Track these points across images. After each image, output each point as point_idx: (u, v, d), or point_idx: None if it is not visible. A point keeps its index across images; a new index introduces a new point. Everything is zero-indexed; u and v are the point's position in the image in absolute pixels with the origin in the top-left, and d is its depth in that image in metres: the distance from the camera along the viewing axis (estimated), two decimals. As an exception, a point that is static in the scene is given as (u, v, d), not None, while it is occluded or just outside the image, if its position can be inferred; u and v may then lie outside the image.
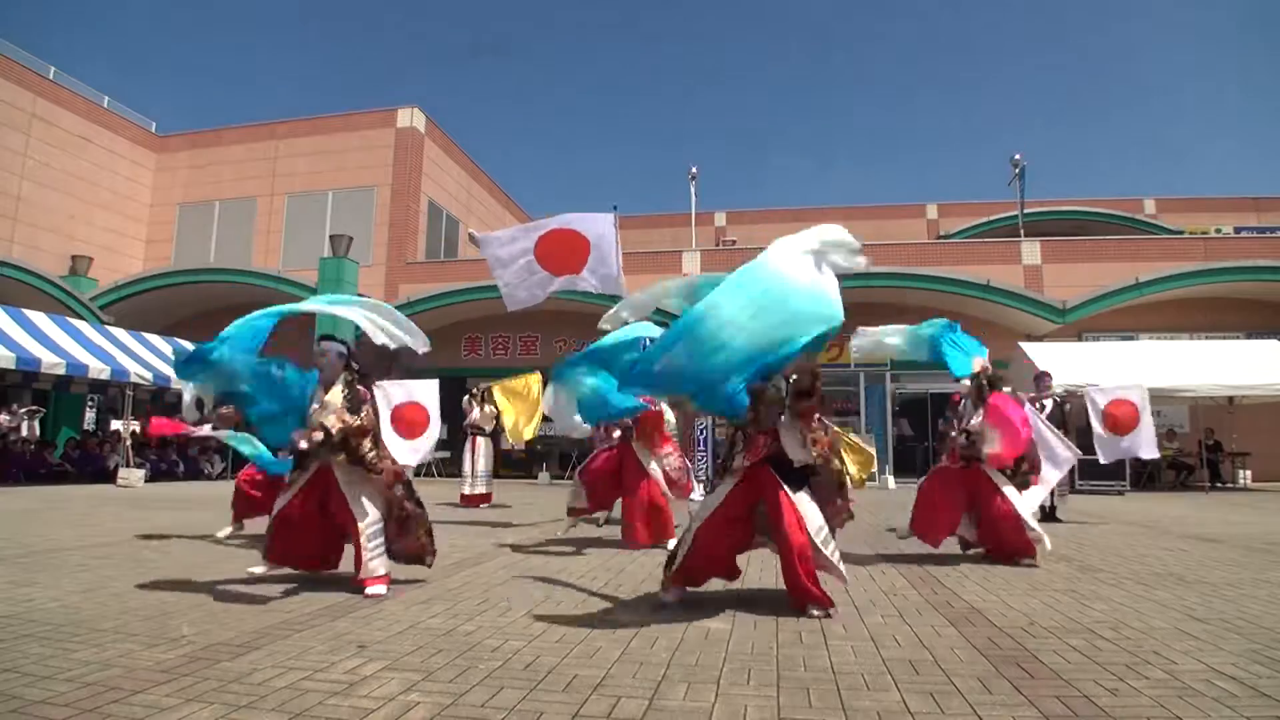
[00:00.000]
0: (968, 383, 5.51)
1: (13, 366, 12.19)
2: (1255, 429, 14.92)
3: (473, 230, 4.74)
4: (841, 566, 3.67)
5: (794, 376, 3.65)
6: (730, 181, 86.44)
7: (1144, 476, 15.05)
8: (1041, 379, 8.55)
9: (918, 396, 17.25)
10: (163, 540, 6.07)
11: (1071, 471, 9.38)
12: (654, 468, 6.17)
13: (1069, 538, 6.78)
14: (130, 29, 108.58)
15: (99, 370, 13.45)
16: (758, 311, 3.13)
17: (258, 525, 6.18)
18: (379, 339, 4.18)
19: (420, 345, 4.32)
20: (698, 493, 6.87)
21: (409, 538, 4.19)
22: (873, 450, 7.71)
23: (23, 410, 15.79)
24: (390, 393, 7.48)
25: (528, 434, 9.19)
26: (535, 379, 9.28)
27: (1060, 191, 41.16)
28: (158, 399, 16.32)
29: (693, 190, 22.06)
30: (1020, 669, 2.70)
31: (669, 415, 6.58)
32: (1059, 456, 6.75)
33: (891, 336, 5.87)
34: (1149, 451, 8.83)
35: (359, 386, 4.20)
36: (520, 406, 9.17)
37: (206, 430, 6.96)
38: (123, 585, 4.12)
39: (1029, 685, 2.52)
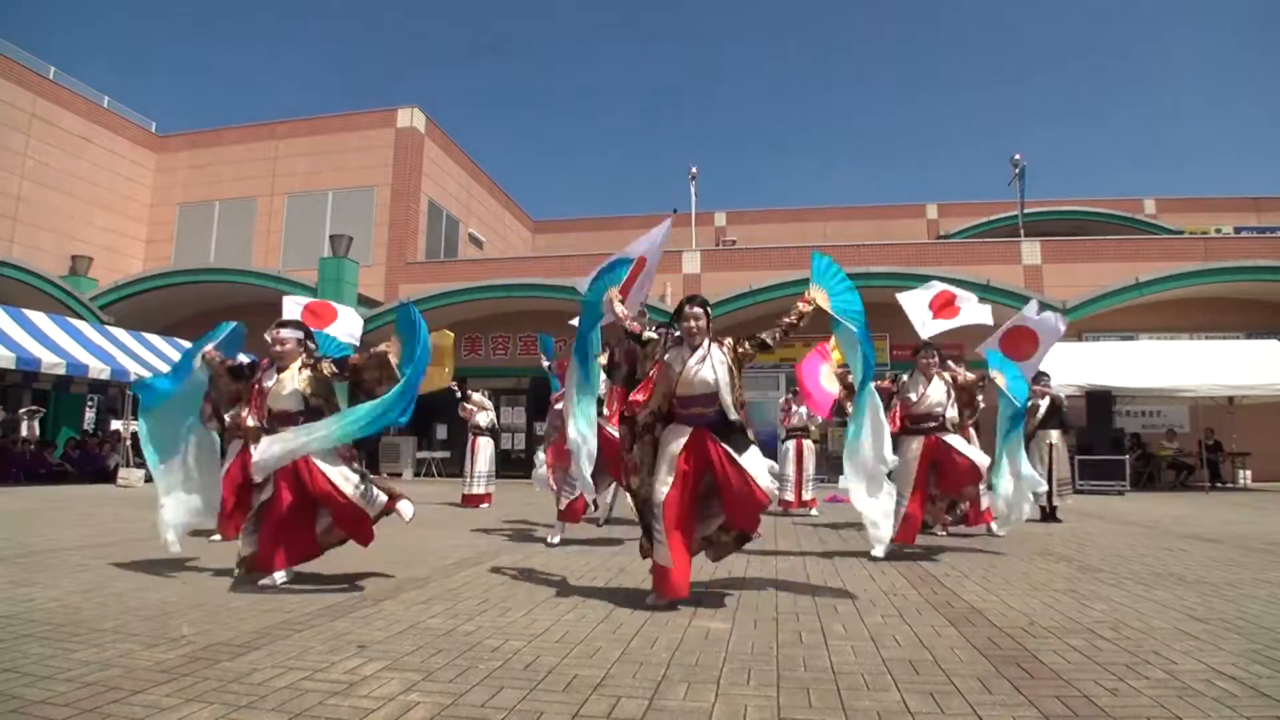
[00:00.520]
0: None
1: (13, 366, 12.19)
2: (1255, 429, 14.92)
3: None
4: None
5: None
6: (730, 181, 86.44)
7: (1144, 476, 15.05)
8: (1040, 379, 8.55)
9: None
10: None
11: (1072, 472, 9.39)
12: None
13: (1069, 538, 6.78)
14: (130, 29, 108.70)
15: (99, 370, 13.44)
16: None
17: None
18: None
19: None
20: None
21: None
22: None
23: (23, 410, 15.81)
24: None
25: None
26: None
27: (1060, 191, 41.14)
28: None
29: (693, 190, 22.07)
30: (1020, 669, 2.70)
31: None
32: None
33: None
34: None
35: (322, 364, 4.29)
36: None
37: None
38: (123, 585, 4.13)
39: (1029, 685, 2.52)
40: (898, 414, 5.55)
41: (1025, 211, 20.42)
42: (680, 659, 2.83)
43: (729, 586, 4.27)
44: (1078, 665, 2.76)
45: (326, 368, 4.28)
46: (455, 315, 18.48)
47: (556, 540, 6.15)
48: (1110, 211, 25.35)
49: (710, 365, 3.77)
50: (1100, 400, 14.48)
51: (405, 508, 4.20)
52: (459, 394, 10.22)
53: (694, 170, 21.94)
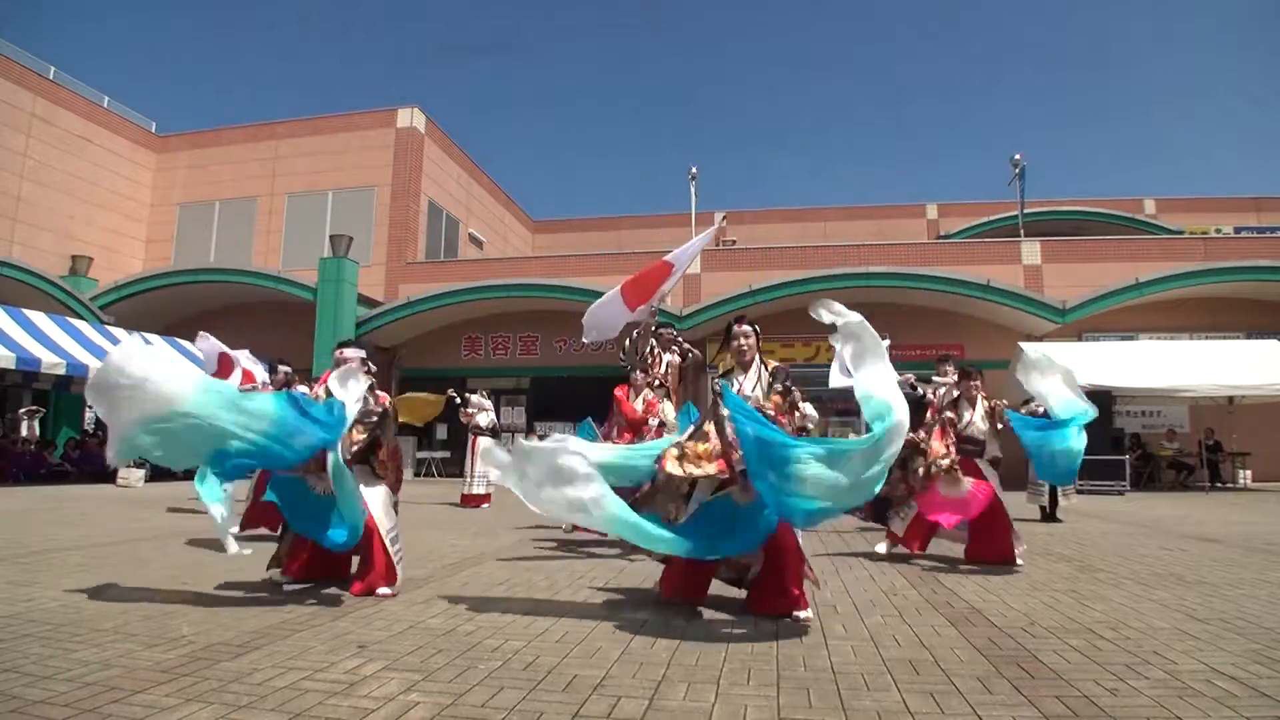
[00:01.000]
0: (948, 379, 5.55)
1: (13, 366, 12.19)
2: (1255, 429, 14.91)
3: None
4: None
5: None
6: (730, 181, 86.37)
7: (1144, 476, 15.05)
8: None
9: (918, 396, 17.25)
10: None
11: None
12: None
13: (1069, 538, 6.78)
14: (130, 29, 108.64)
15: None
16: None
17: (256, 532, 6.19)
18: None
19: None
20: None
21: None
22: None
23: (23, 410, 15.80)
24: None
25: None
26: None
27: (1060, 191, 41.09)
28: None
29: (693, 190, 22.06)
30: (1020, 669, 2.70)
31: (669, 413, 6.55)
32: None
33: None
34: None
35: (376, 393, 4.24)
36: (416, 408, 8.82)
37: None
38: (123, 585, 4.13)
39: (1029, 685, 2.52)
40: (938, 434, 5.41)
41: (1025, 211, 20.41)
42: (680, 659, 2.83)
43: (729, 586, 4.26)
44: (1078, 665, 2.76)
45: (384, 403, 4.26)
46: (455, 315, 18.49)
47: (567, 529, 6.51)
48: (1110, 211, 25.34)
49: (761, 388, 3.78)
50: (1100, 400, 14.42)
51: (386, 590, 3.96)
52: (459, 400, 10.23)
53: (694, 170, 21.94)
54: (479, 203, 25.59)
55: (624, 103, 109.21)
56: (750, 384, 3.76)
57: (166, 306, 19.25)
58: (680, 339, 6.01)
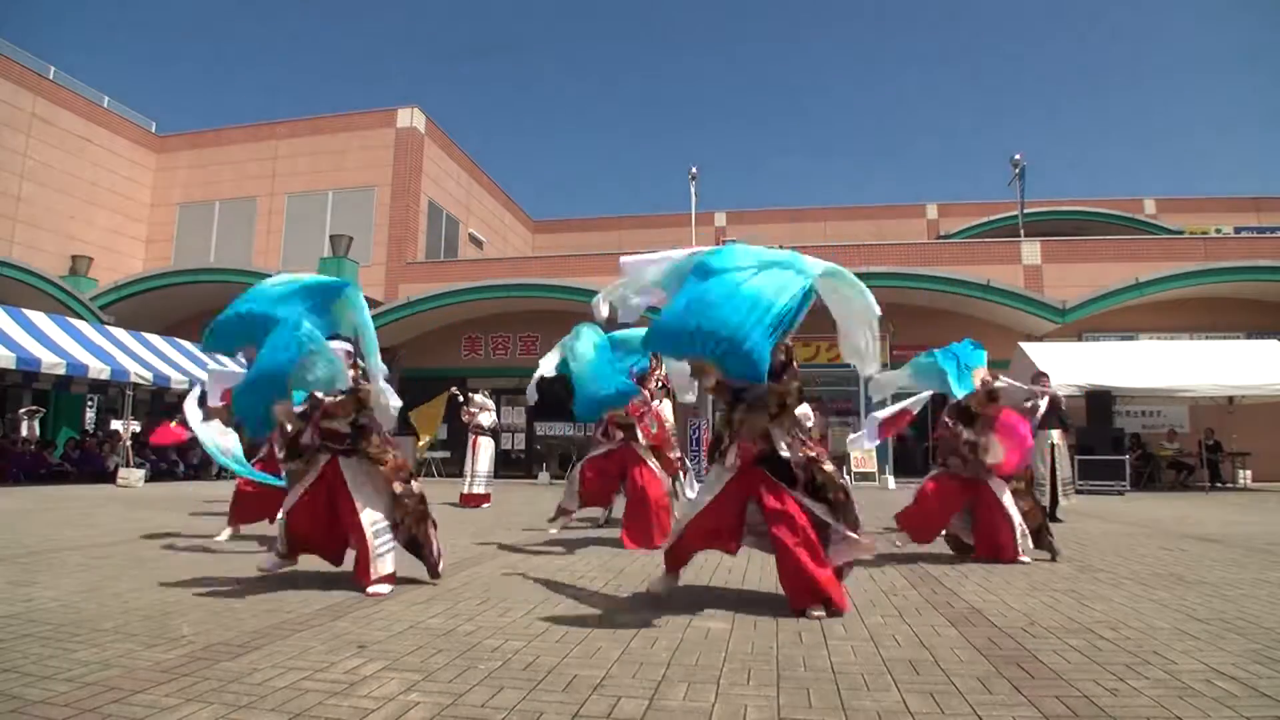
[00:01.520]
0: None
1: (13, 366, 12.19)
2: (1255, 429, 14.92)
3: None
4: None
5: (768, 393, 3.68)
6: (730, 181, 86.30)
7: (1144, 476, 15.05)
8: (1039, 379, 8.55)
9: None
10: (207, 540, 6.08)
11: (1073, 471, 9.37)
12: (657, 467, 6.20)
13: (1069, 538, 6.78)
14: (130, 29, 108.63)
15: (99, 370, 13.45)
16: (760, 268, 3.30)
17: (255, 528, 6.19)
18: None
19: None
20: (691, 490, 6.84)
21: (416, 530, 4.23)
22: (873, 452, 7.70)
23: (23, 410, 15.81)
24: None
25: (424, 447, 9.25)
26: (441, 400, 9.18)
27: (1060, 191, 41.13)
28: (158, 399, 16.31)
29: (693, 190, 22.05)
30: (1020, 669, 2.70)
31: (667, 413, 6.57)
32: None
33: (901, 378, 5.79)
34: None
35: (362, 383, 4.22)
36: (427, 421, 9.13)
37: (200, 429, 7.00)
38: (123, 585, 4.13)
39: (1029, 685, 2.52)
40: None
41: (1025, 211, 20.43)
42: (680, 659, 2.83)
43: (729, 586, 4.27)
44: (1078, 665, 2.76)
45: (364, 395, 4.22)
46: (455, 315, 18.49)
47: (555, 531, 6.56)
48: (1110, 211, 25.35)
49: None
50: (1100, 400, 14.48)
51: (378, 589, 4.00)
52: (461, 399, 10.25)
53: (694, 170, 21.94)
54: (479, 203, 25.60)
55: (624, 103, 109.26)
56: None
57: (166, 306, 19.27)
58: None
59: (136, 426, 14.58)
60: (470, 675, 2.61)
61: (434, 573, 4.32)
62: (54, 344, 13.23)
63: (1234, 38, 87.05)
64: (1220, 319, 16.39)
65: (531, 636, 3.14)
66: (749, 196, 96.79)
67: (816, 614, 3.47)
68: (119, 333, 15.27)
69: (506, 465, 17.49)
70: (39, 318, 13.68)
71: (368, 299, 4.57)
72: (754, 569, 4.81)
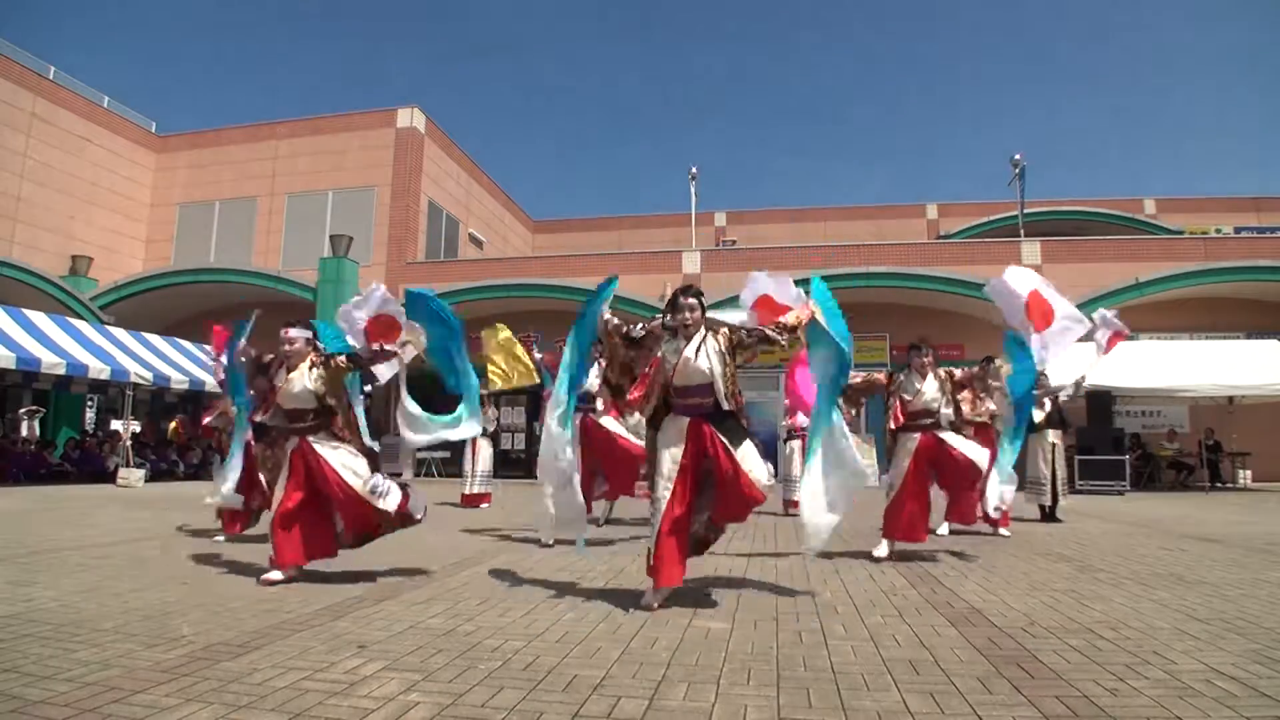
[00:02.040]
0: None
1: (13, 366, 12.20)
2: (1255, 429, 14.92)
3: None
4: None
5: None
6: (730, 181, 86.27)
7: (1144, 476, 15.05)
8: (1038, 380, 8.52)
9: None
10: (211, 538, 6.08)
11: (1071, 471, 9.39)
12: (619, 429, 6.44)
13: (1069, 538, 6.79)
14: (130, 29, 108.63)
15: (99, 370, 13.45)
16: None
17: (256, 529, 6.19)
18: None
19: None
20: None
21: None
22: (873, 452, 7.69)
23: (23, 410, 15.81)
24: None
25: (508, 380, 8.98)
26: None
27: (1060, 191, 41.07)
28: (157, 399, 16.33)
29: (693, 190, 22.04)
30: (1020, 669, 2.70)
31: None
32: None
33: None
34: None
35: (337, 358, 4.41)
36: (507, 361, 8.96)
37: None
38: (123, 585, 4.12)
39: (1029, 685, 2.52)
40: (897, 411, 5.63)
41: (1025, 211, 20.41)
42: (680, 659, 2.83)
43: (729, 586, 4.27)
44: (1078, 665, 2.76)
45: (341, 362, 4.41)
46: (455, 315, 18.47)
47: (550, 541, 6.20)
48: (1110, 211, 25.34)
49: (705, 355, 3.79)
50: (1100, 400, 14.48)
51: (417, 505, 4.34)
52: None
53: (694, 170, 21.94)
54: (479, 203, 25.59)
55: (624, 102, 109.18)
56: (692, 350, 3.80)
57: (166, 306, 19.27)
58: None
59: (136, 426, 14.59)
60: (470, 675, 2.61)
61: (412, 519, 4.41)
62: (54, 344, 13.24)
63: (1234, 38, 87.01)
64: (1220, 319, 16.39)
65: (531, 636, 3.14)
66: (749, 196, 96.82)
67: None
68: (119, 333, 15.28)
69: (505, 465, 17.48)
70: (39, 318, 13.69)
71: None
72: (754, 569, 4.82)
